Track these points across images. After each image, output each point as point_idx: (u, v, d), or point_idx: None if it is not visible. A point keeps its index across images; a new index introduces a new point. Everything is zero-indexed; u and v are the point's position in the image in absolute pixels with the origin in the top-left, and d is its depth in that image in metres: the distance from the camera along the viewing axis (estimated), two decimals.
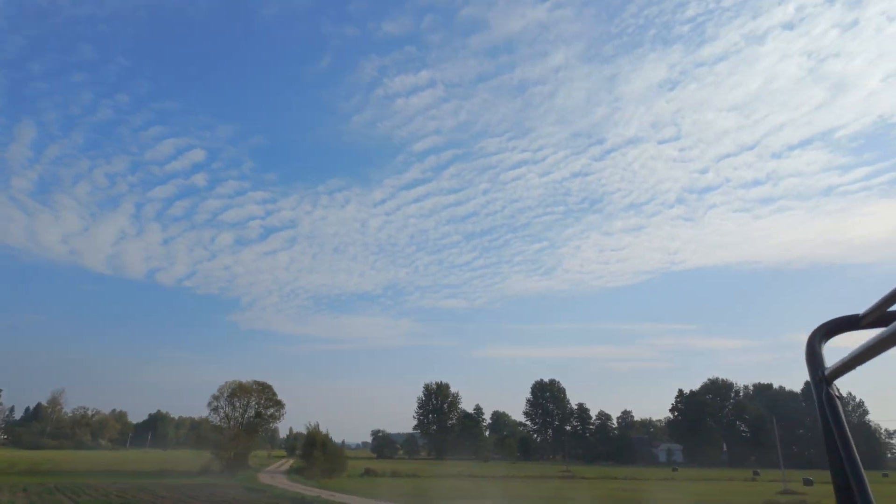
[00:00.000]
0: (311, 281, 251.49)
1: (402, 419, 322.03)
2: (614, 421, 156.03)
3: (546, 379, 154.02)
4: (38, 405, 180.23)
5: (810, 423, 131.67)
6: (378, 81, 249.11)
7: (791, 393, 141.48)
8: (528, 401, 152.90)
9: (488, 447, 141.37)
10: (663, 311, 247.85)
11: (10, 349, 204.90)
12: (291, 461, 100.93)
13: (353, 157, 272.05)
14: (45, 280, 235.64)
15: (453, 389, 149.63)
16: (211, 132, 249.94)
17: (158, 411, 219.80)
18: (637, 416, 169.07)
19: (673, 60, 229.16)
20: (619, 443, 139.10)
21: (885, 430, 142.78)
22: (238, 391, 59.18)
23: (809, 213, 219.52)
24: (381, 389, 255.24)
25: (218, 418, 57.89)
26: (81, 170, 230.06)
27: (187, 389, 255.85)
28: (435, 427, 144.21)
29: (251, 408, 60.06)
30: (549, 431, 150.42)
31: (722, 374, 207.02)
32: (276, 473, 59.36)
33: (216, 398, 58.03)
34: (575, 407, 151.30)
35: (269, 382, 60.12)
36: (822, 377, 1.53)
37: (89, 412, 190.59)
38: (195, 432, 68.31)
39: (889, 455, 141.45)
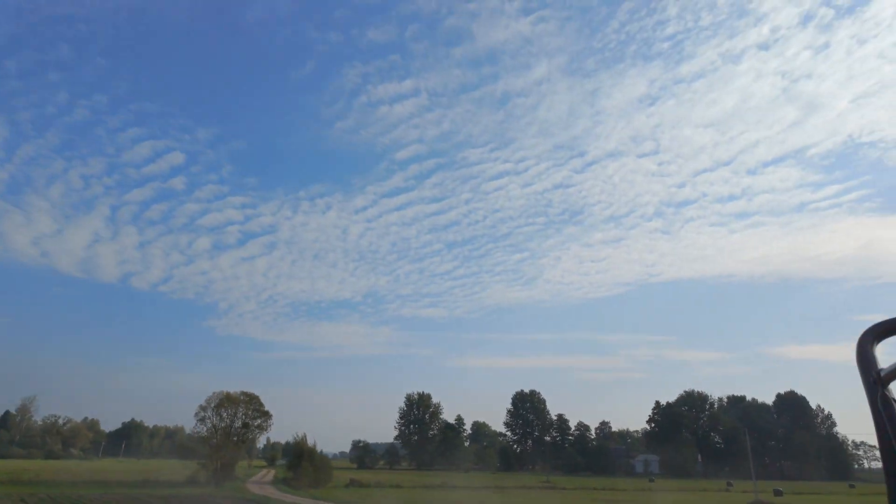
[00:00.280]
0: (289, 287, 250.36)
1: (382, 428, 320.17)
2: (593, 432, 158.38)
3: (526, 390, 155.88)
4: (7, 413, 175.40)
5: (781, 434, 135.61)
6: (361, 88, 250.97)
7: (763, 405, 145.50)
8: (509, 411, 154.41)
9: (469, 458, 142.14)
10: (641, 322, 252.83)
11: None
12: (273, 471, 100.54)
13: (335, 163, 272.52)
14: (15, 283, 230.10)
15: (434, 400, 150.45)
16: (190, 135, 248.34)
17: (133, 420, 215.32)
18: (615, 427, 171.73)
19: (653, 76, 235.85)
20: (597, 454, 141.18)
21: (853, 441, 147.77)
22: (225, 401, 59.41)
23: (782, 229, 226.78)
24: (360, 398, 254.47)
25: (205, 429, 57.98)
26: (56, 171, 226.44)
27: (162, 397, 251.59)
28: (416, 437, 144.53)
29: (238, 418, 60.26)
30: (529, 442, 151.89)
31: (697, 386, 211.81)
32: (262, 484, 59.53)
33: (203, 408, 58.23)
34: (554, 418, 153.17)
35: (246, 389, 60.55)
36: (876, 378, 1.48)
37: (60, 420, 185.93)
38: (180, 442, 68.03)
39: (856, 466, 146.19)
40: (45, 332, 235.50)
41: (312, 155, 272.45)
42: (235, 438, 59.08)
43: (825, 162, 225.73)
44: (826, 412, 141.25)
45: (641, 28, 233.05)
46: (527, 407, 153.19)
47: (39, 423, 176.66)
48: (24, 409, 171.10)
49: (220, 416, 58.78)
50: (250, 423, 60.79)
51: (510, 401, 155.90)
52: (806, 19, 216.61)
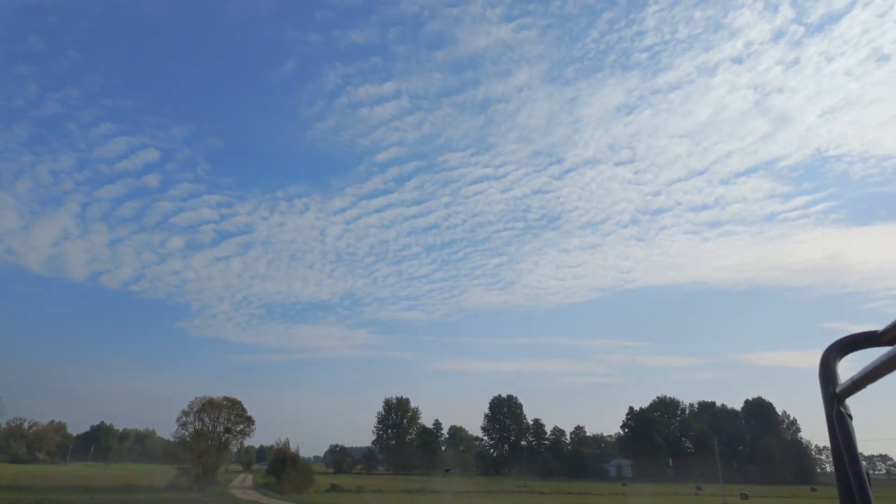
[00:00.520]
0: (265, 288, 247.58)
1: (358, 432, 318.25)
2: (568, 437, 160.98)
3: (504, 394, 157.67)
4: None
5: (749, 439, 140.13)
6: (342, 90, 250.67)
7: (732, 411, 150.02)
8: (486, 416, 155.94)
9: (446, 462, 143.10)
10: (616, 328, 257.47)
11: None
12: (250, 476, 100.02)
13: (313, 164, 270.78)
14: None
15: (412, 404, 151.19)
16: (166, 132, 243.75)
17: (102, 423, 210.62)
18: (589, 432, 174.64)
19: (630, 86, 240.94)
20: (572, 458, 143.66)
21: (816, 446, 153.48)
22: (208, 406, 59.43)
23: (753, 238, 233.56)
24: (335, 401, 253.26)
25: (187, 434, 57.89)
26: (23, 165, 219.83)
27: (132, 399, 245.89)
28: (394, 442, 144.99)
29: (221, 423, 60.30)
30: (506, 447, 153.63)
31: (669, 391, 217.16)
32: (244, 489, 59.63)
33: (186, 413, 58.20)
34: (531, 423, 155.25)
35: (218, 392, 60.81)
36: (833, 395, 1.51)
37: (26, 424, 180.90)
38: (165, 448, 67.53)
39: (818, 470, 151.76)
40: (9, 332, 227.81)
41: (291, 155, 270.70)
42: (218, 443, 59.12)
43: (794, 174, 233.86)
44: (791, 418, 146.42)
45: (620, 38, 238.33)
46: (504, 412, 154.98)
47: (3, 426, 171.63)
48: None
49: (203, 420, 58.86)
50: (232, 428, 60.99)
51: (487, 405, 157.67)
52: (778, 35, 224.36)
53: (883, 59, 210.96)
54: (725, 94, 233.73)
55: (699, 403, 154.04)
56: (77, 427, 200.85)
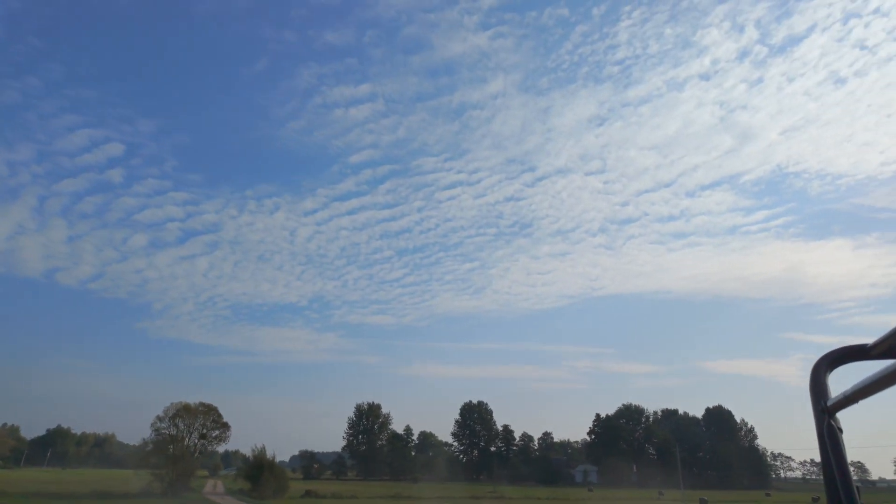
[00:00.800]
0: (231, 289, 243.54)
1: (325, 437, 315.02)
2: (536, 442, 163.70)
3: (474, 400, 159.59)
4: None
5: (709, 446, 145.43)
6: (316, 90, 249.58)
7: (693, 418, 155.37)
8: (457, 422, 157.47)
9: (416, 468, 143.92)
10: (582, 334, 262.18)
11: None
12: (218, 481, 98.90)
13: (285, 163, 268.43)
14: None
15: (383, 410, 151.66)
16: (131, 126, 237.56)
17: (59, 426, 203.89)
18: (556, 438, 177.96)
19: (602, 98, 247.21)
20: (540, 464, 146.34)
21: (771, 452, 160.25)
22: (183, 412, 59.22)
23: (716, 250, 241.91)
24: (302, 406, 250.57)
25: (161, 439, 57.52)
26: None
27: (90, 402, 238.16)
28: (364, 447, 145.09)
29: (196, 429, 60.13)
30: (475, 452, 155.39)
31: (633, 397, 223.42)
32: (220, 495, 59.47)
33: (160, 419, 57.90)
34: (500, 428, 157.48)
35: (180, 395, 60.70)
36: (824, 408, 1.51)
37: None
38: (134, 453, 66.74)
39: (773, 476, 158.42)
40: None
41: (261, 154, 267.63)
42: (193, 449, 58.89)
43: (756, 188, 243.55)
44: (749, 426, 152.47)
45: (593, 51, 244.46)
46: (474, 418, 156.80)
47: None
48: None
49: (177, 426, 58.64)
50: (208, 433, 60.89)
51: (457, 410, 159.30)
52: (743, 55, 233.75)
53: (839, 81, 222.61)
54: (693, 110, 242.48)
55: (662, 411, 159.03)
56: (31, 431, 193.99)
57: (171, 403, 59.00)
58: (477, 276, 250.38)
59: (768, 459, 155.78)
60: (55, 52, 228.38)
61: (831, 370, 1.58)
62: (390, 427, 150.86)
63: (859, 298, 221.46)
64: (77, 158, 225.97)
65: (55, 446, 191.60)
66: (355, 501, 61.74)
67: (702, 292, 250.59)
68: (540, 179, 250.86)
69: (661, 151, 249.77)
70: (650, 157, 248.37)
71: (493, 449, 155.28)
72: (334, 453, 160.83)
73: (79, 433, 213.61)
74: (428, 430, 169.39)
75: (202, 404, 61.25)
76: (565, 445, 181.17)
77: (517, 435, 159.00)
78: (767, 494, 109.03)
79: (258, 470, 54.31)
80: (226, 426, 61.81)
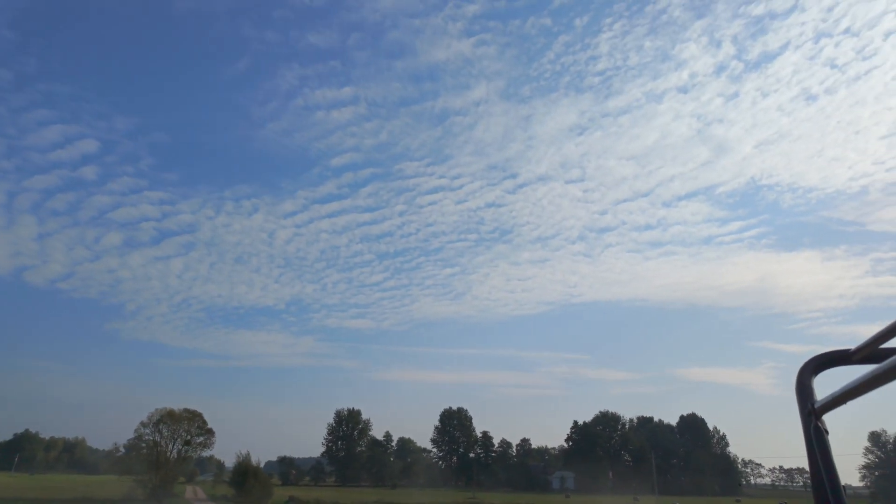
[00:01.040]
0: (206, 291, 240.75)
1: (302, 442, 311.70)
2: (514, 449, 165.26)
3: (454, 407, 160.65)
4: None
5: (682, 453, 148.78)
6: (298, 91, 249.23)
7: (668, 426, 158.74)
8: (437, 428, 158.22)
9: (395, 474, 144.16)
10: (560, 340, 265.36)
11: None
12: (196, 487, 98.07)
13: (264, 164, 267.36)
14: None
15: (363, 416, 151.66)
16: (107, 122, 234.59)
17: (27, 431, 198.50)
18: (534, 444, 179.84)
19: (583, 108, 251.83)
20: (518, 470, 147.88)
21: (742, 459, 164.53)
22: (167, 418, 59.10)
23: (691, 259, 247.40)
24: (277, 411, 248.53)
25: (145, 445, 57.32)
26: None
27: (58, 406, 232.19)
28: (343, 453, 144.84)
29: (180, 435, 60.00)
30: (454, 458, 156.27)
31: (609, 404, 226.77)
32: (203, 501, 59.38)
33: (144, 425, 57.69)
34: (479, 435, 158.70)
35: (153, 398, 60.60)
36: (811, 410, 1.58)
37: None
38: (122, 458, 66.11)
39: (744, 482, 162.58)
40: None
41: (241, 154, 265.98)
42: (177, 455, 58.75)
43: (730, 200, 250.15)
44: (721, 433, 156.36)
45: (575, 62, 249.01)
46: (454, 424, 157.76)
47: None
48: None
49: (161, 432, 58.53)
50: (192, 440, 60.78)
51: (435, 415, 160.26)
52: (720, 69, 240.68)
53: (810, 98, 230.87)
54: (670, 121, 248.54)
55: (638, 418, 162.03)
56: None
57: (156, 409, 58.97)
58: (457, 281, 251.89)
59: (739, 466, 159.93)
60: (28, 45, 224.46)
61: (816, 374, 1.66)
62: (370, 433, 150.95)
63: (828, 309, 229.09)
64: (49, 154, 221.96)
65: (23, 451, 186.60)
66: None
67: (677, 301, 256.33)
68: (521, 186, 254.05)
69: (639, 162, 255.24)
70: (629, 167, 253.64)
71: (471, 455, 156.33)
72: (312, 459, 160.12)
73: (47, 438, 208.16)
74: (406, 436, 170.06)
75: (187, 410, 61.19)
76: (543, 452, 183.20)
77: (496, 441, 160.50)
78: (738, 501, 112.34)
79: (243, 476, 54.58)
80: (210, 432, 61.81)
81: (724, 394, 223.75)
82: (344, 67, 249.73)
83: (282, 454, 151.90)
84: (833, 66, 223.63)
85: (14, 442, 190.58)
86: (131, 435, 58.21)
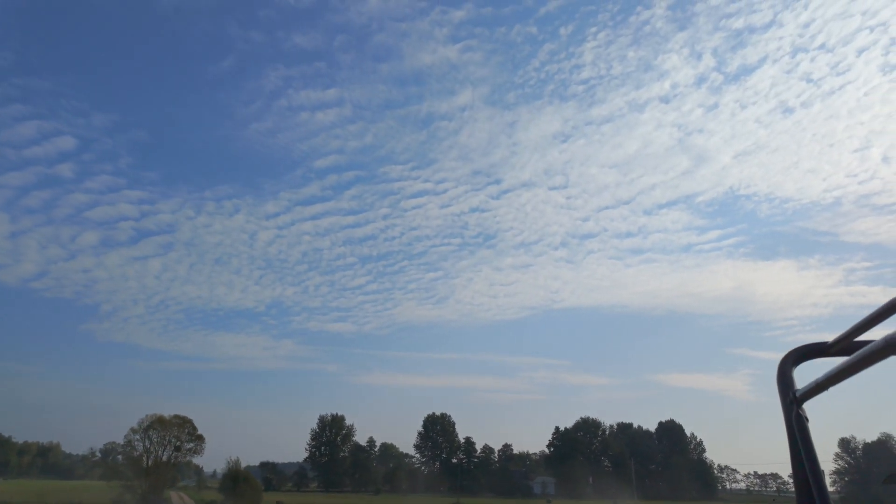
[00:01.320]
0: (184, 292, 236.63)
1: (283, 447, 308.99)
2: (496, 454, 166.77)
3: (437, 412, 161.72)
4: None
5: (660, 459, 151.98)
6: (282, 92, 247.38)
7: (647, 432, 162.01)
8: (420, 434, 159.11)
9: (378, 480, 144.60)
10: (541, 346, 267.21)
11: None
12: (182, 494, 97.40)
13: (247, 165, 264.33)
14: None
15: (347, 422, 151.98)
16: (85, 119, 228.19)
17: (0, 434, 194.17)
18: (516, 449, 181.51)
19: (567, 115, 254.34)
20: (500, 475, 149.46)
21: (718, 465, 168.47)
22: (157, 424, 59.33)
23: (671, 266, 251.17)
24: (257, 415, 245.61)
25: (134, 451, 57.50)
26: None
27: (31, 409, 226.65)
28: (326, 459, 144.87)
29: (170, 443, 60.22)
30: (437, 464, 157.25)
31: (589, 409, 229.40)
32: None
33: (134, 431, 57.86)
34: (462, 440, 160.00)
35: (130, 402, 60.82)
36: (793, 398, 1.66)
37: None
38: (110, 464, 66.01)
39: (720, 487, 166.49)
40: None
41: (222, 154, 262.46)
42: (166, 461, 58.98)
43: (709, 209, 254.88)
44: (698, 439, 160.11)
45: (560, 70, 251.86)
46: (437, 430, 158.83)
47: None
48: None
49: (151, 438, 58.77)
50: (182, 446, 61.06)
51: (418, 419, 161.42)
52: (700, 81, 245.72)
53: (787, 111, 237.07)
54: (652, 131, 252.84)
55: (618, 424, 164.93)
56: None
57: (146, 415, 59.21)
58: (440, 285, 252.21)
59: (715, 472, 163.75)
60: (5, 39, 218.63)
61: (796, 365, 1.77)
62: (353, 439, 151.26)
63: (802, 317, 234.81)
64: (24, 150, 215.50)
65: None
66: None
67: (656, 307, 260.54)
68: (505, 192, 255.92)
69: (621, 170, 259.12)
70: (611, 174, 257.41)
71: (454, 461, 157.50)
72: (294, 464, 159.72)
73: (21, 442, 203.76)
74: (388, 441, 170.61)
75: (177, 416, 61.48)
76: (524, 457, 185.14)
77: (478, 447, 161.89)
78: None
79: (234, 481, 55.06)
80: (200, 438, 62.20)
81: (702, 400, 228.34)
82: (329, 69, 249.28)
83: (263, 459, 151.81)
84: (809, 81, 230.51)
85: None
86: (107, 439, 58.49)
